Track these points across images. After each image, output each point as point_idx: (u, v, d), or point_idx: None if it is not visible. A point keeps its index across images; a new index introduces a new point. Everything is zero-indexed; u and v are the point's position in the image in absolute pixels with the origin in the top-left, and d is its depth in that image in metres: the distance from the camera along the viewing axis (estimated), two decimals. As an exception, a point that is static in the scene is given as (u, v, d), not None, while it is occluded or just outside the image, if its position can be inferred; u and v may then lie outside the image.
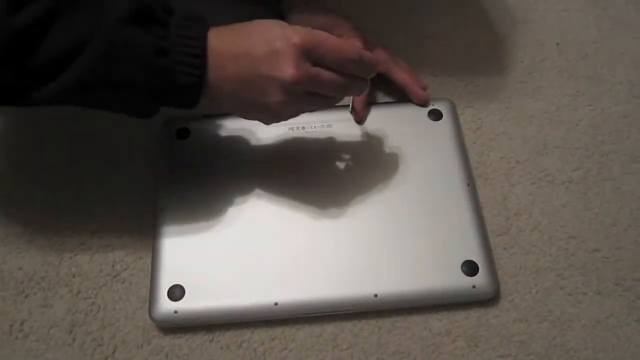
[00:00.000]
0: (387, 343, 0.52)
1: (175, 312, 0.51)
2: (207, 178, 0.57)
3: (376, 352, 0.52)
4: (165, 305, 0.51)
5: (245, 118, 0.51)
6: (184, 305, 0.51)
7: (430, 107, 0.62)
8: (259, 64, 0.45)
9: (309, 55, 0.45)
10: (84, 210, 0.58)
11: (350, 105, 0.61)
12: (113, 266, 0.55)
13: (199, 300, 0.51)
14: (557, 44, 0.70)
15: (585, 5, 0.73)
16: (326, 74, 0.46)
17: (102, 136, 0.62)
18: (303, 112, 0.51)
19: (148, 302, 0.52)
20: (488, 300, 0.54)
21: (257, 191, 0.56)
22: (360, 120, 0.61)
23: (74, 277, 0.55)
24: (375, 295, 0.51)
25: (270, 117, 0.50)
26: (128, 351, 0.52)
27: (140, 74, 0.43)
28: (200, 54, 0.45)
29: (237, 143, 0.59)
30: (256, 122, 0.58)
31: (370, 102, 0.63)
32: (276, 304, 0.51)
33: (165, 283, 0.52)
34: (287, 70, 0.44)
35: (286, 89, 0.45)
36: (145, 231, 0.57)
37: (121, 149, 0.61)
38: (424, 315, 0.53)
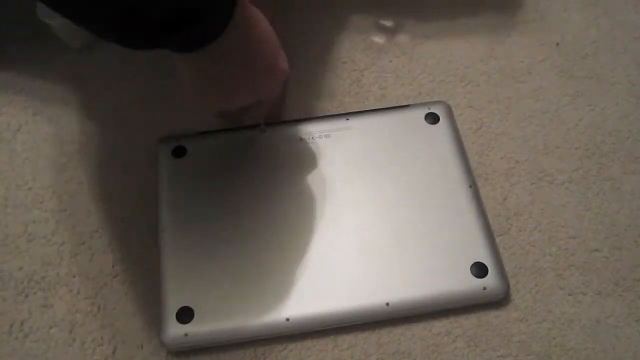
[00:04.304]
0: (387, 343, 0.52)
1: (186, 335, 0.50)
2: (208, 196, 0.56)
3: (376, 352, 0.52)
4: (175, 329, 0.50)
5: (231, 92, 0.48)
6: (194, 327, 0.50)
7: (427, 111, 0.62)
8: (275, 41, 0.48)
9: None
10: (84, 210, 0.58)
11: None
12: (113, 266, 0.55)
13: (209, 321, 0.50)
14: (557, 44, 0.70)
15: (585, 5, 0.73)
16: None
17: (101, 136, 0.62)
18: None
19: (158, 326, 0.51)
20: (499, 300, 0.53)
21: (259, 206, 0.56)
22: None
23: (74, 277, 0.55)
24: (387, 304, 0.51)
25: (255, 92, 0.49)
26: (128, 351, 0.52)
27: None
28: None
29: (236, 158, 0.59)
30: (251, 136, 0.58)
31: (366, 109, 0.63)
32: (288, 319, 0.50)
33: (173, 306, 0.51)
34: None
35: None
36: (145, 231, 0.57)
37: (122, 149, 0.61)
38: (423, 315, 0.53)
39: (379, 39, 0.70)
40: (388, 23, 0.71)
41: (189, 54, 0.43)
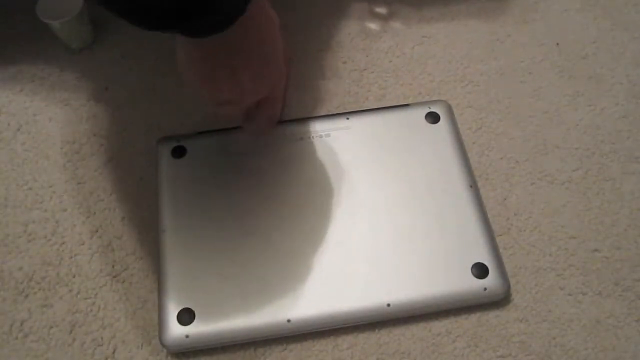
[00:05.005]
0: (387, 343, 0.52)
1: (187, 336, 0.50)
2: (207, 196, 0.56)
3: (376, 352, 0.52)
4: (176, 330, 0.50)
5: (232, 80, 0.49)
6: (195, 328, 0.50)
7: (427, 110, 0.62)
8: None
9: None
10: (84, 210, 0.58)
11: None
12: (113, 266, 0.55)
13: (210, 322, 0.50)
14: (557, 44, 0.70)
15: (585, 5, 0.73)
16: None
17: (102, 136, 0.62)
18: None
19: (158, 327, 0.51)
20: (500, 300, 0.53)
21: (260, 206, 0.56)
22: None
23: (74, 277, 0.55)
24: (388, 305, 0.51)
25: (255, 83, 0.49)
26: (128, 351, 0.52)
27: None
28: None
29: (235, 158, 0.59)
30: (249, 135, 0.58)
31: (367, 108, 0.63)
32: (289, 320, 0.50)
33: (173, 307, 0.51)
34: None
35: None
36: (145, 231, 0.57)
37: (122, 149, 0.62)
38: (424, 315, 0.53)
39: (373, 25, 0.70)
40: (382, 10, 0.71)
41: (199, 39, 0.44)
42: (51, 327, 0.53)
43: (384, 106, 0.63)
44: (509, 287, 0.53)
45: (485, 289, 0.52)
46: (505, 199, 0.59)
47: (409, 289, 0.52)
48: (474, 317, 0.53)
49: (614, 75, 0.67)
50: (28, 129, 0.63)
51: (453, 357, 0.52)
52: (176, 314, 0.50)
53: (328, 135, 0.60)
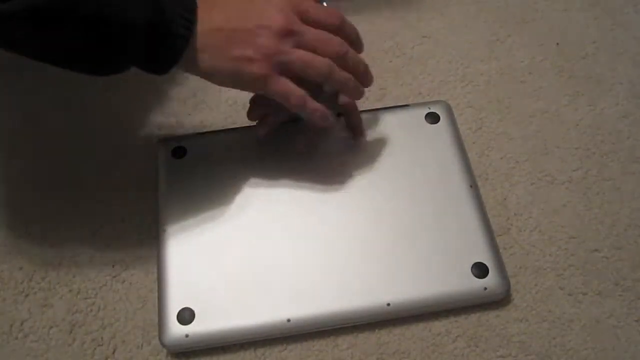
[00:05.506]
0: (387, 343, 0.52)
1: (187, 336, 0.50)
2: (208, 196, 0.56)
3: (376, 352, 0.52)
4: (176, 330, 0.50)
5: (227, 79, 0.48)
6: (195, 328, 0.50)
7: (427, 110, 0.62)
8: (248, 13, 0.45)
9: (296, 10, 0.46)
10: (84, 211, 0.58)
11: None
12: (113, 266, 0.56)
13: (210, 322, 0.50)
14: (557, 44, 0.70)
15: (585, 5, 0.73)
16: (313, 32, 0.46)
17: (102, 136, 0.62)
18: (289, 90, 0.47)
19: (158, 326, 0.51)
20: (500, 300, 0.53)
21: (260, 206, 0.56)
22: (360, 137, 0.59)
23: (74, 277, 0.55)
24: (388, 304, 0.51)
25: (253, 76, 0.46)
26: (128, 351, 0.52)
27: (136, 10, 0.38)
28: (192, 7, 0.43)
29: (236, 158, 0.58)
30: (251, 136, 0.58)
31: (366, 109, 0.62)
32: (289, 320, 0.50)
33: (173, 307, 0.51)
34: (277, 17, 0.44)
35: (275, 36, 0.45)
36: (145, 231, 0.57)
37: (122, 149, 0.62)
38: (424, 315, 0.53)
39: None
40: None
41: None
42: (51, 327, 0.53)
43: (383, 106, 0.63)
44: (509, 287, 0.53)
45: (485, 288, 0.52)
46: (505, 199, 0.59)
47: (409, 289, 0.52)
48: (474, 317, 0.53)
49: (614, 75, 0.67)
50: (28, 128, 0.63)
51: (453, 357, 0.52)
52: (176, 313, 0.50)
53: (328, 136, 0.60)
